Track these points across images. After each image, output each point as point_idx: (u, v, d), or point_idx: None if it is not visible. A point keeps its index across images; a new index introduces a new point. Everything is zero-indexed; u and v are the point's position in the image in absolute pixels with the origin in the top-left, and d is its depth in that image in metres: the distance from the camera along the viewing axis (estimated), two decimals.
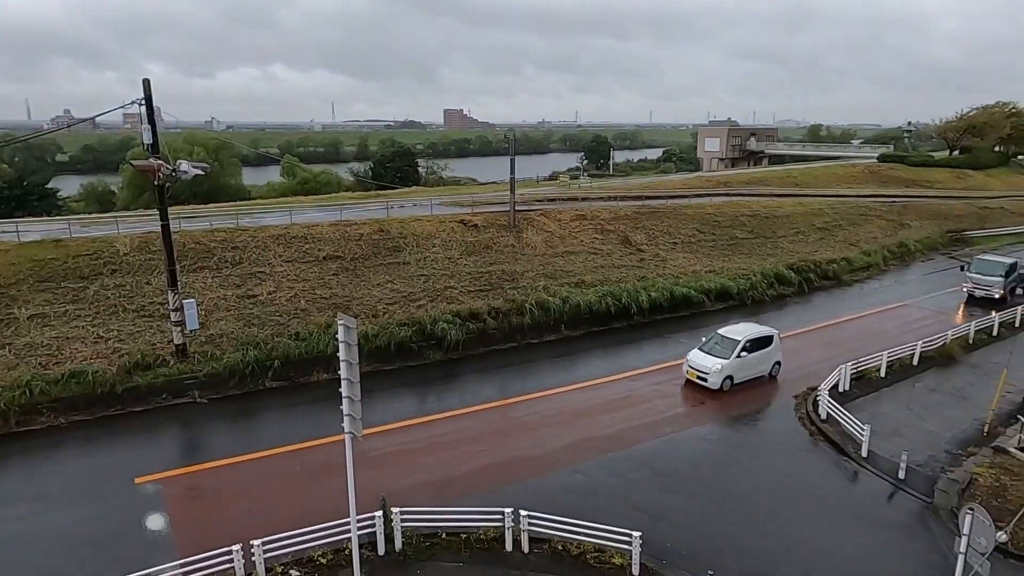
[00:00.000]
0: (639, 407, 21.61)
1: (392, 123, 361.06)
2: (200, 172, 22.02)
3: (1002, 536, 9.37)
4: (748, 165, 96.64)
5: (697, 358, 23.35)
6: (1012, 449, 18.91)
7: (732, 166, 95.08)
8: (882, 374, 24.34)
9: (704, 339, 24.26)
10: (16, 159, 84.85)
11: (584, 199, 43.12)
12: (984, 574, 9.50)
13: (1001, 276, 34.50)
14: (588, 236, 36.73)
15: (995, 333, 29.33)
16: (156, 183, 21.29)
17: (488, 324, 26.83)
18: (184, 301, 22.21)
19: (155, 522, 14.97)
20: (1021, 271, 35.50)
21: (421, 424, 19.98)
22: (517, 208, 35.62)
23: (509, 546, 14.14)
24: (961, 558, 9.52)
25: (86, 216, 41.67)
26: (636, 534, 13.43)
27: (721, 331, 24.24)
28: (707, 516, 15.76)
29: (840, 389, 22.76)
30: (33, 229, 28.69)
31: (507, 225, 34.93)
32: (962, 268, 36.13)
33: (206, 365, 21.84)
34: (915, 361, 25.58)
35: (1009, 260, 35.43)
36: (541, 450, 18.63)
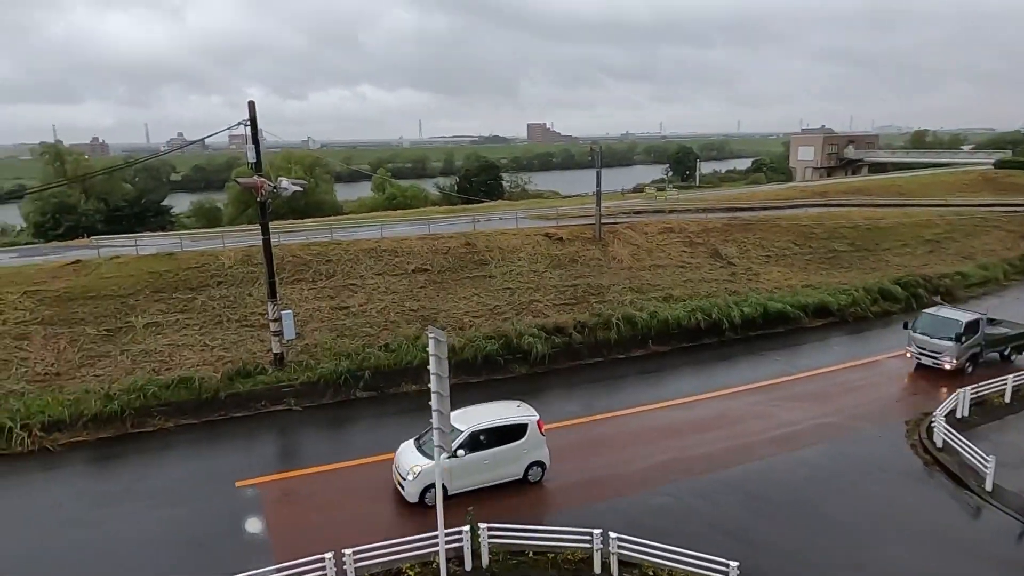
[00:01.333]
0: (732, 427, 20.65)
1: (477, 138, 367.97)
2: (298, 189, 23.04)
3: None
4: (846, 174, 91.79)
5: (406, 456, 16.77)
6: None
7: (828, 175, 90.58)
8: (1007, 400, 22.24)
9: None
10: (136, 179, 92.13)
11: (671, 211, 42.14)
12: None
13: (951, 340, 24.35)
14: (676, 249, 35.79)
15: None
16: (259, 199, 22.43)
17: (574, 338, 26.53)
18: (282, 312, 23.20)
19: (253, 525, 15.56)
20: (990, 331, 25.52)
21: None
22: (602, 221, 35.21)
23: (597, 568, 13.75)
24: None
25: (195, 231, 44.59)
26: (733, 564, 12.73)
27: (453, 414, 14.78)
28: (807, 547, 14.77)
29: (958, 415, 20.95)
30: (150, 244, 30.92)
31: (592, 238, 34.56)
32: (905, 326, 26.15)
33: (302, 374, 22.69)
34: None
35: (967, 316, 25.00)
36: (629, 469, 18.11)
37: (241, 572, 12.58)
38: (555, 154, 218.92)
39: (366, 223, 37.90)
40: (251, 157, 21.74)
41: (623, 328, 27.33)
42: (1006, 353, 25.80)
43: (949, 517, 16.35)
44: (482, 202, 60.06)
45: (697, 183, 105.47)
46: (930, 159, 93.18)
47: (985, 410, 21.64)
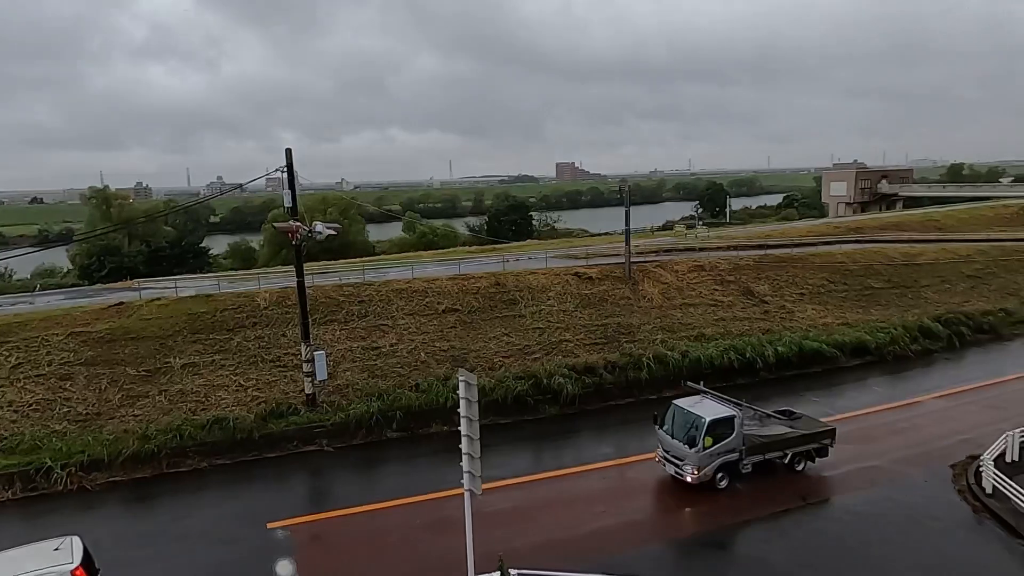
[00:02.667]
0: (772, 471, 20.11)
1: (506, 177, 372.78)
2: (332, 233, 23.59)
3: None
4: (880, 209, 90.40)
5: None
6: None
7: (862, 211, 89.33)
8: None
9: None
10: (177, 221, 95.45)
11: (701, 249, 41.91)
12: None
13: (689, 447, 18.61)
14: (707, 287, 35.47)
15: None
16: (294, 243, 22.97)
17: (604, 378, 26.31)
18: (315, 353, 23.53)
19: (284, 568, 15.53)
20: (759, 431, 20.01)
21: (538, 481, 19.68)
22: (632, 259, 35.17)
23: None
24: None
25: (232, 272, 45.70)
26: None
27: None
28: None
29: (1008, 459, 20.08)
30: (189, 285, 31.77)
31: (622, 277, 34.49)
32: (655, 420, 20.15)
33: (334, 415, 22.87)
34: None
35: (718, 413, 18.86)
36: (663, 514, 17.73)
37: None
38: (584, 192, 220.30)
39: (397, 263, 38.46)
40: (287, 202, 22.39)
41: (654, 368, 27.04)
42: (786, 461, 19.85)
43: (1002, 568, 15.57)
44: (512, 241, 60.54)
45: (728, 219, 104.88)
46: (968, 192, 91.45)
47: None
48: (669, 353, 27.75)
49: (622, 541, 16.37)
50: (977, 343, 33.90)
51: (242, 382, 24.42)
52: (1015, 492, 17.55)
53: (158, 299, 28.55)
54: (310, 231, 22.88)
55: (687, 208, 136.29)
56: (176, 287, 30.32)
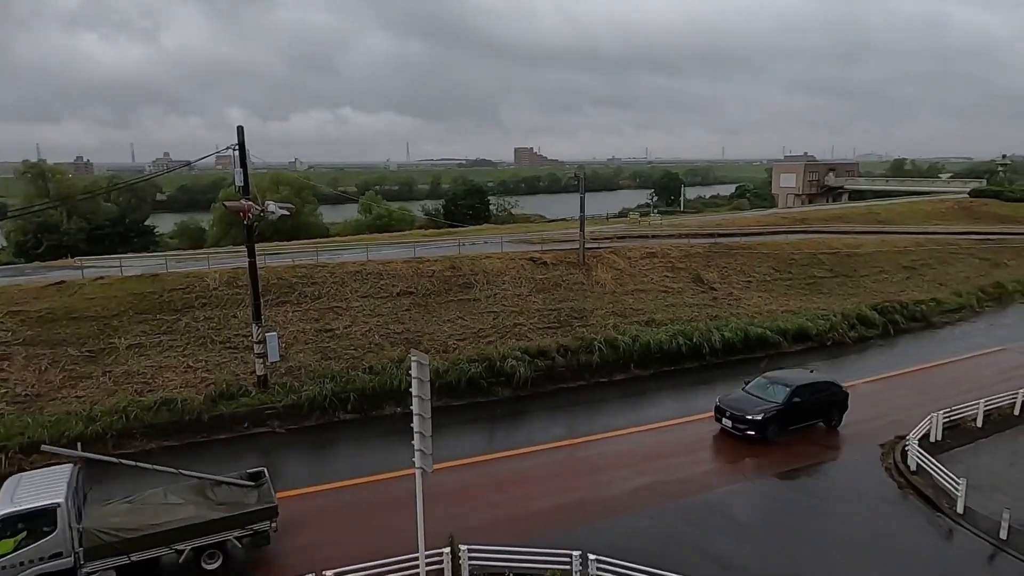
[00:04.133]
0: (713, 451, 20.96)
1: (464, 161, 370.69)
2: (285, 213, 23.29)
3: None
4: (827, 201, 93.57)
5: None
6: None
7: (809, 202, 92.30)
8: (979, 424, 22.73)
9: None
10: (120, 198, 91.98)
11: (654, 236, 42.81)
12: None
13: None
14: (659, 274, 36.33)
15: None
16: (245, 223, 22.62)
17: (557, 362, 26.80)
18: (267, 334, 23.29)
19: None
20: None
21: (490, 461, 20.02)
22: (587, 246, 35.71)
23: None
24: None
25: (181, 252, 44.56)
26: None
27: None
28: (784, 571, 15.00)
29: (931, 439, 21.38)
30: (135, 264, 30.94)
31: (576, 262, 35.02)
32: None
33: (286, 396, 22.73)
34: (1017, 411, 23.77)
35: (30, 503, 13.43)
36: (610, 492, 18.29)
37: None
38: (542, 178, 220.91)
39: (352, 245, 38.14)
40: (239, 181, 22.00)
41: (605, 352, 27.65)
42: (181, 560, 14.04)
43: (922, 540, 16.67)
44: (469, 225, 60.54)
45: (682, 208, 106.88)
46: (908, 187, 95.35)
47: (958, 433, 22.11)
48: (620, 337, 28.40)
49: (572, 518, 16.86)
50: (910, 330, 35.68)
51: (191, 363, 24.02)
52: (936, 469, 18.74)
53: (101, 278, 27.75)
54: (262, 211, 22.54)
55: (643, 196, 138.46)
56: (121, 266, 29.48)
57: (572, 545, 14.22)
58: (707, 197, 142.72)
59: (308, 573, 12.94)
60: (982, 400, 23.22)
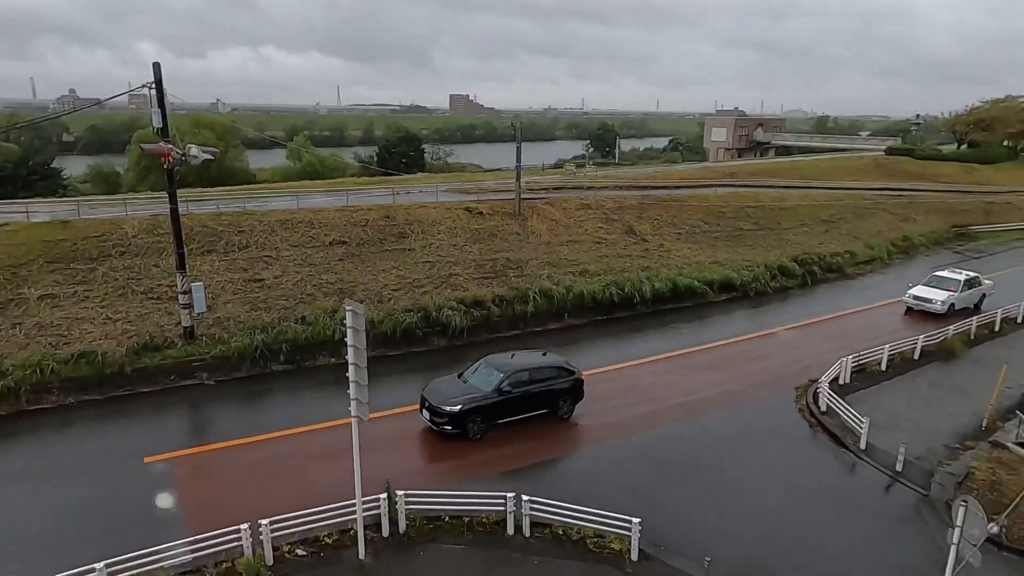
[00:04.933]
0: (642, 396, 21.82)
1: (397, 107, 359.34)
2: (209, 157, 22.16)
3: (993, 528, 9.58)
4: (755, 156, 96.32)
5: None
6: (1010, 444, 19.11)
7: (739, 156, 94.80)
8: (883, 368, 24.53)
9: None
10: (22, 138, 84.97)
11: (589, 188, 43.14)
12: (975, 564, 9.73)
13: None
14: (593, 225, 36.83)
15: (997, 328, 29.47)
16: (166, 167, 21.44)
17: (492, 312, 27.04)
18: (192, 284, 22.45)
19: (164, 500, 15.26)
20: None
21: None
22: (522, 196, 35.70)
23: (511, 530, 14.42)
24: (953, 549, 9.74)
25: (94, 197, 41.89)
26: (635, 520, 13.69)
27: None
28: (705, 504, 16.01)
29: (841, 382, 22.95)
30: (42, 210, 28.94)
31: (512, 213, 35.03)
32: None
33: (214, 348, 22.11)
34: (916, 355, 25.73)
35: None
36: (544, 438, 18.87)
37: (153, 546, 12.39)
38: (478, 127, 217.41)
39: (281, 193, 36.81)
40: (157, 122, 20.70)
41: (540, 302, 28.07)
42: None
43: (829, 473, 18.07)
44: (402, 174, 59.32)
45: (617, 160, 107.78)
46: (831, 144, 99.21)
47: (864, 376, 23.81)
48: (555, 288, 28.85)
49: (514, 460, 17.36)
50: (826, 281, 37.74)
51: (110, 314, 22.94)
52: (843, 409, 20.20)
53: (5, 224, 25.89)
54: (183, 154, 21.39)
55: (579, 147, 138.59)
56: (27, 212, 27.52)
57: (508, 488, 14.68)
58: (641, 150, 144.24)
59: (243, 522, 12.90)
60: (887, 346, 25.00)
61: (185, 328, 22.38)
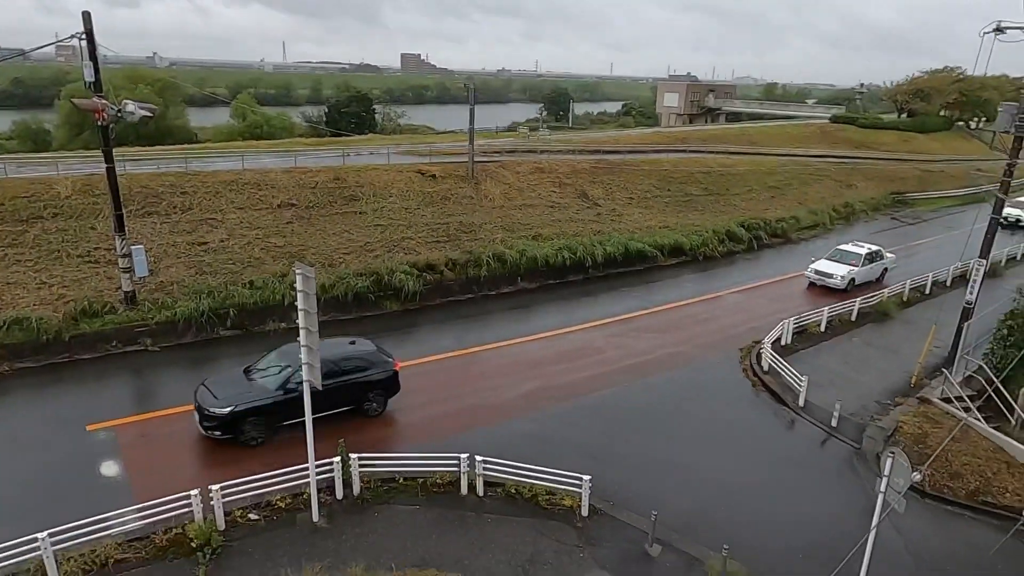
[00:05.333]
0: (593, 358, 22.25)
1: (347, 66, 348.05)
2: (147, 115, 21.14)
3: (916, 476, 10.23)
4: (706, 121, 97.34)
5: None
6: (935, 399, 20.30)
7: (690, 122, 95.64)
8: (822, 329, 25.57)
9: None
10: None
11: (543, 152, 43.01)
12: (900, 510, 10.41)
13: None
14: (546, 189, 36.83)
15: (928, 292, 30.97)
16: (100, 124, 20.37)
17: (445, 275, 26.96)
18: (132, 247, 21.60)
19: (109, 468, 14.94)
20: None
21: None
22: (476, 159, 35.36)
23: (464, 490, 14.66)
24: (880, 496, 10.38)
25: (21, 155, 39.58)
26: (586, 478, 14.10)
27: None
28: (653, 461, 16.58)
29: (783, 343, 23.85)
30: None
31: (465, 176, 34.71)
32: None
33: (158, 313, 21.44)
34: (854, 317, 26.89)
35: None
36: (498, 399, 19.13)
37: (100, 513, 12.15)
38: (430, 87, 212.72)
39: (225, 153, 35.50)
40: (88, 76, 19.54)
41: (493, 266, 28.10)
42: None
43: (769, 429, 18.90)
44: (352, 135, 57.86)
45: (570, 124, 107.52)
46: (779, 111, 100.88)
47: (805, 338, 24.80)
48: (508, 251, 28.89)
49: (459, 425, 17.55)
50: (771, 245, 38.84)
51: (44, 279, 21.94)
52: (784, 368, 21.05)
53: None
54: (119, 111, 20.33)
55: (533, 110, 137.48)
56: None
57: (462, 449, 14.87)
58: (595, 113, 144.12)
59: (193, 488, 12.75)
60: (826, 308, 26.04)
61: (126, 293, 21.61)
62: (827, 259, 31.53)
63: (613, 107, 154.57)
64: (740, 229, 37.80)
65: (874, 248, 32.32)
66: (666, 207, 39.59)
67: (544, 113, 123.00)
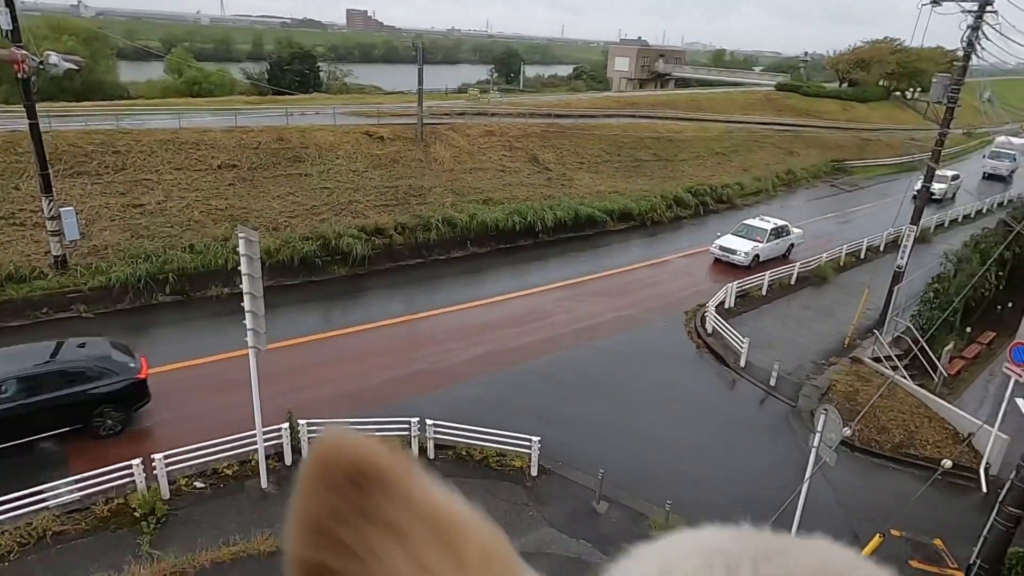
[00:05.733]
0: (542, 322, 22.48)
1: (289, 20, 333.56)
2: (73, 67, 19.96)
3: (847, 431, 10.83)
4: (656, 87, 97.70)
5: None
6: (866, 359, 21.36)
7: (640, 87, 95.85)
8: (764, 293, 26.43)
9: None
10: None
11: (494, 114, 42.47)
12: (831, 463, 11.02)
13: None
14: (497, 153, 36.50)
15: (863, 256, 32.29)
16: (20, 76, 19.06)
17: (394, 240, 26.62)
18: (61, 209, 20.53)
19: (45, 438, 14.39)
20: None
21: (328, 338, 19.97)
22: (425, 122, 34.68)
23: (415, 452, 14.75)
24: (814, 451, 10.96)
25: None
26: (535, 439, 14.37)
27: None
28: (601, 422, 17.00)
29: (727, 306, 24.57)
30: None
31: (414, 139, 34.05)
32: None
33: (91, 278, 20.55)
34: (793, 281, 27.86)
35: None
36: (448, 363, 19.19)
37: (36, 486, 11.76)
38: (377, 45, 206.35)
39: (160, 111, 33.82)
40: (5, 24, 18.21)
41: (443, 230, 27.87)
42: None
43: (712, 389, 19.59)
44: (296, 94, 55.88)
45: (521, 87, 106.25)
46: (726, 77, 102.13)
47: (747, 301, 25.61)
48: (458, 216, 28.67)
49: (409, 390, 17.56)
50: (717, 211, 39.63)
51: None
52: (727, 331, 21.74)
53: None
54: (41, 63, 19.07)
55: (483, 71, 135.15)
56: None
57: (413, 413, 14.92)
58: (546, 76, 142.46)
59: (135, 458, 12.44)
60: (767, 272, 26.89)
61: (56, 257, 20.59)
62: (733, 234, 29.69)
63: (564, 70, 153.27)
64: (687, 195, 38.39)
65: (780, 223, 30.76)
66: (616, 172, 39.83)
67: (495, 75, 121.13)
